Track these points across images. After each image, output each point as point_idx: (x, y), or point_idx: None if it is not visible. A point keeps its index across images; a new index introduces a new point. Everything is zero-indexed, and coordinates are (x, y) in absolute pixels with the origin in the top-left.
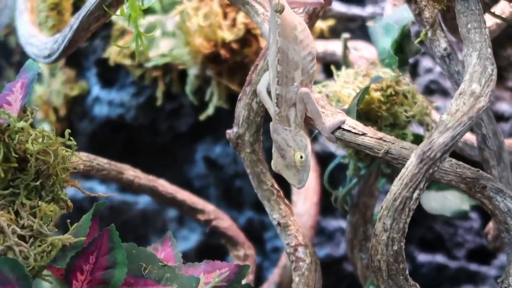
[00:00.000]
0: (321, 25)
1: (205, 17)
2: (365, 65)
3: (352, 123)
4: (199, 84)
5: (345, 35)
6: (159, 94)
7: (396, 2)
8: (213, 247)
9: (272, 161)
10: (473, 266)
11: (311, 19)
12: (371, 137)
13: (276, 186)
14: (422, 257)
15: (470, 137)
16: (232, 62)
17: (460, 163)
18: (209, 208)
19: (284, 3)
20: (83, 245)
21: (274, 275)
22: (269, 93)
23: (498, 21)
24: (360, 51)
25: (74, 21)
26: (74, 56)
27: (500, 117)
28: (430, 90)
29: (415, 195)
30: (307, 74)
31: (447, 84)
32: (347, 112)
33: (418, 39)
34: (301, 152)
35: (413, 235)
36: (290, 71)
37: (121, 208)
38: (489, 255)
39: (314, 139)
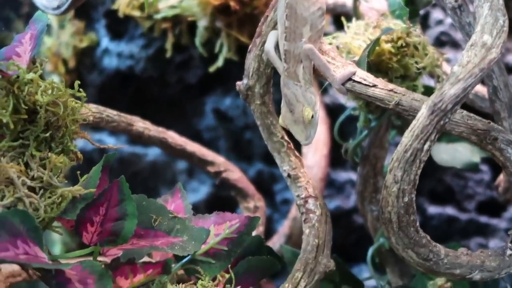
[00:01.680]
0: None
1: None
2: (376, 16)
3: (362, 75)
4: (208, 36)
5: None
6: (169, 46)
7: None
8: (223, 199)
9: (280, 116)
10: (483, 219)
11: None
12: (382, 88)
13: (286, 137)
14: (432, 209)
15: (481, 89)
16: (242, 13)
17: (471, 114)
18: (219, 160)
19: None
20: (93, 196)
21: (284, 227)
22: (277, 50)
23: None
24: (371, 2)
25: None
26: (83, 8)
27: (511, 69)
28: (441, 42)
29: (426, 146)
30: (315, 29)
31: (458, 35)
32: (358, 63)
33: None
34: (310, 108)
35: (423, 187)
36: (298, 26)
37: (131, 160)
38: (499, 207)
39: (324, 91)
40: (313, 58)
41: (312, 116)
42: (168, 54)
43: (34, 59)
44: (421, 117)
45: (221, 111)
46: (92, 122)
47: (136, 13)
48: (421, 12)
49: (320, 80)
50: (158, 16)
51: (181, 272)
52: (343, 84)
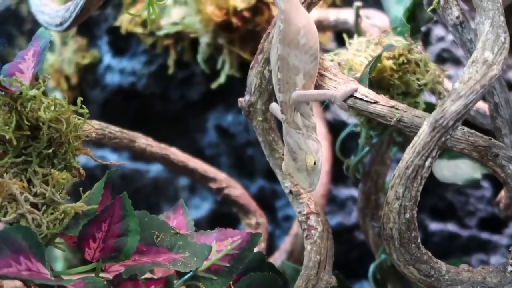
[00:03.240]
0: None
1: None
2: (377, 33)
3: (364, 91)
4: (210, 53)
5: (357, 3)
6: (171, 63)
7: None
8: (224, 216)
9: (283, 163)
10: (485, 235)
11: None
12: (383, 105)
13: None
14: (434, 226)
15: (482, 106)
16: (244, 30)
17: (473, 131)
18: (220, 176)
19: None
20: (95, 212)
21: (285, 244)
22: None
23: None
24: (372, 19)
25: None
26: (86, 24)
27: None
28: (442, 58)
29: (427, 163)
30: (308, 76)
31: (459, 52)
32: (359, 80)
33: (431, 7)
34: (313, 156)
35: (425, 203)
36: (291, 76)
37: (133, 176)
38: (500, 224)
39: (326, 107)
40: (307, 99)
41: (315, 163)
42: (170, 70)
43: (37, 75)
44: (423, 134)
45: (223, 127)
46: (94, 139)
47: (139, 30)
48: (423, 28)
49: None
50: (161, 33)
51: None
52: (344, 100)
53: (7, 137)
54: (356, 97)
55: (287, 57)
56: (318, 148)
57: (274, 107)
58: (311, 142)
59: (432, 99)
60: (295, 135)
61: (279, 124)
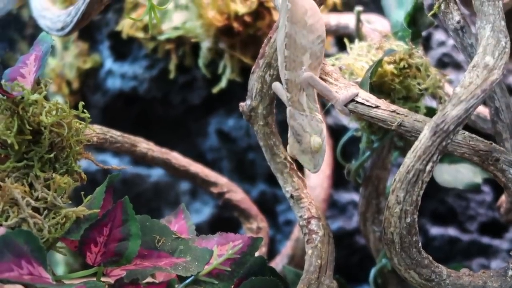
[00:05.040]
0: None
1: None
2: (378, 38)
3: (365, 96)
4: (212, 57)
5: (358, 8)
6: (172, 67)
7: None
8: (225, 220)
9: (288, 146)
10: (485, 239)
11: None
12: (384, 109)
13: (289, 158)
14: (435, 230)
15: (483, 110)
16: (245, 35)
17: (473, 135)
18: (222, 181)
19: None
20: (97, 217)
21: (286, 248)
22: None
23: None
24: (373, 24)
25: None
26: (87, 29)
27: None
28: (443, 63)
29: (428, 167)
30: (315, 57)
31: (460, 57)
32: (360, 85)
33: (431, 12)
34: (318, 137)
35: (425, 208)
36: (298, 55)
37: (134, 181)
38: (501, 228)
39: (327, 112)
40: (314, 85)
41: (319, 142)
42: (172, 75)
43: (38, 80)
44: (424, 138)
45: (224, 132)
46: (96, 143)
47: (140, 35)
48: (424, 33)
49: (323, 101)
50: (162, 38)
51: None
52: (345, 105)
53: (9, 141)
54: (357, 102)
55: (295, 35)
56: (323, 129)
57: (278, 86)
58: (315, 122)
59: (433, 103)
60: (299, 117)
61: (280, 128)
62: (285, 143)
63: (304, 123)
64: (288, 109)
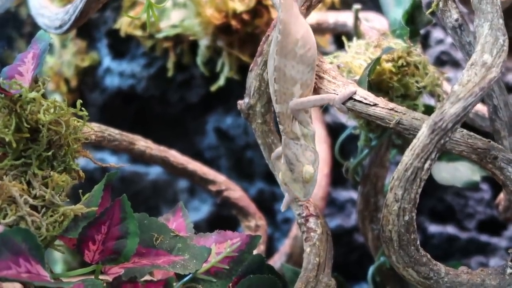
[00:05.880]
0: None
1: None
2: (376, 36)
3: (363, 94)
4: (210, 55)
5: (356, 6)
6: (170, 65)
7: None
8: (224, 218)
9: (280, 173)
10: (484, 237)
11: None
12: (383, 107)
13: None
14: (433, 228)
15: (481, 108)
16: (243, 33)
17: (472, 133)
18: (220, 179)
19: (293, 3)
20: (95, 215)
21: (285, 246)
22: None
23: None
24: (371, 22)
25: None
26: (85, 27)
27: (511, 88)
28: (441, 61)
29: (426, 165)
30: (306, 86)
31: (458, 55)
32: (358, 82)
33: (430, 10)
34: (310, 167)
35: (424, 206)
36: (288, 87)
37: (133, 179)
38: (499, 226)
39: (325, 110)
40: (305, 107)
41: (311, 173)
42: (170, 73)
43: (36, 78)
44: (422, 136)
45: (222, 130)
46: (94, 141)
47: (138, 33)
48: (422, 31)
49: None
50: (160, 36)
51: None
52: (343, 103)
53: (7, 139)
54: (355, 100)
55: (284, 68)
56: (316, 159)
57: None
58: (309, 153)
59: (431, 101)
60: (294, 146)
61: (278, 126)
62: None
63: (298, 153)
64: (283, 137)
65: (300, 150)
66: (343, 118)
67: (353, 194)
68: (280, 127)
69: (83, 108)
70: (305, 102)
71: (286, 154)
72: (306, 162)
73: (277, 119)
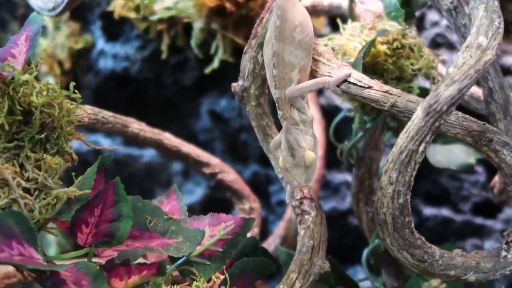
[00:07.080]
0: None
1: None
2: (371, 18)
3: (358, 76)
4: (204, 38)
5: None
6: (164, 48)
7: None
8: (218, 201)
9: (280, 159)
10: (479, 220)
11: None
12: (377, 90)
13: None
14: (428, 211)
15: (476, 91)
16: (238, 15)
17: (467, 116)
18: (214, 162)
19: None
20: (88, 198)
21: (279, 229)
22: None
23: None
24: (366, 4)
25: None
26: (79, 9)
27: (506, 71)
28: (437, 43)
29: (421, 148)
30: (303, 71)
31: (453, 37)
32: (353, 65)
33: None
34: (312, 152)
35: (418, 188)
36: (287, 72)
37: (126, 161)
38: (494, 208)
39: (319, 92)
40: (300, 93)
41: (313, 158)
42: (164, 55)
43: (29, 60)
44: (416, 119)
45: (216, 112)
46: (87, 124)
47: (132, 15)
48: (417, 13)
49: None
50: (154, 18)
51: (176, 273)
52: (338, 85)
53: None
54: (350, 82)
55: (282, 53)
56: (315, 144)
57: (271, 148)
58: (309, 138)
59: (426, 84)
60: (295, 131)
61: (272, 109)
62: (277, 123)
63: (299, 138)
64: (284, 123)
65: (301, 134)
66: (338, 101)
67: (348, 177)
68: (279, 112)
69: (76, 91)
70: (301, 88)
71: (287, 139)
72: (307, 147)
73: (276, 104)
